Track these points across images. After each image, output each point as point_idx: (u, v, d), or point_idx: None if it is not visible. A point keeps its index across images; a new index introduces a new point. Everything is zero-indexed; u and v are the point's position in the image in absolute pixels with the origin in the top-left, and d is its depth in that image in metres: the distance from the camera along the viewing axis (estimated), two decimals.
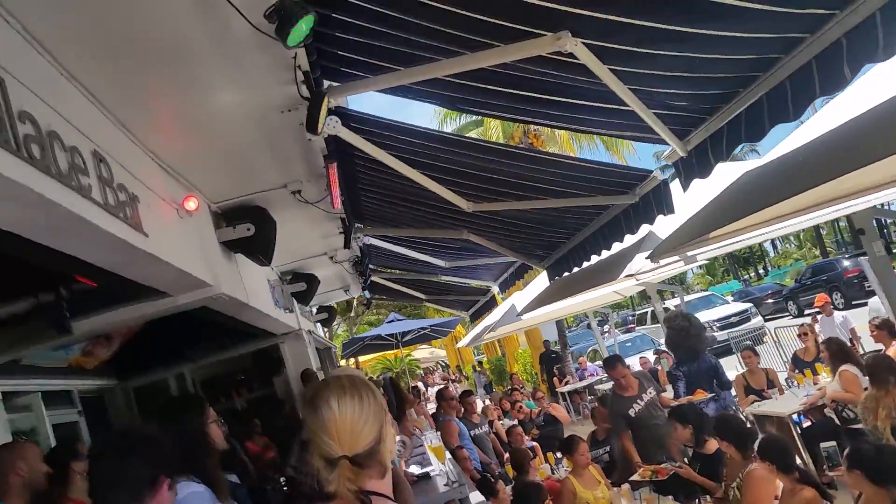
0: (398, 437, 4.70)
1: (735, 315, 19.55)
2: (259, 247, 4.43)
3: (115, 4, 2.33)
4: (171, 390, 7.76)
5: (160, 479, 1.87)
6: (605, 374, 14.20)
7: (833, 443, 5.07)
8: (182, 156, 3.60)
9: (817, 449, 6.16)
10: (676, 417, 5.25)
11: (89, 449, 2.08)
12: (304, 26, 2.16)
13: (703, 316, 19.60)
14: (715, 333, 16.32)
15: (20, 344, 4.10)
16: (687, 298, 25.87)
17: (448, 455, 5.22)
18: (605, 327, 15.41)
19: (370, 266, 7.56)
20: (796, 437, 6.56)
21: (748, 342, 13.27)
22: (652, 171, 3.75)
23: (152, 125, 3.20)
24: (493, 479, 5.25)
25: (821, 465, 5.87)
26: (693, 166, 3.26)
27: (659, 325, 17.16)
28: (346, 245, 5.46)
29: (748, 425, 4.80)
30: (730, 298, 25.28)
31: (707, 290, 33.74)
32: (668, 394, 6.82)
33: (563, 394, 14.20)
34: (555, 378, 15.18)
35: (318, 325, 9.69)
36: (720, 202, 3.30)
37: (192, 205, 3.68)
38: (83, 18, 2.36)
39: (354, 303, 13.17)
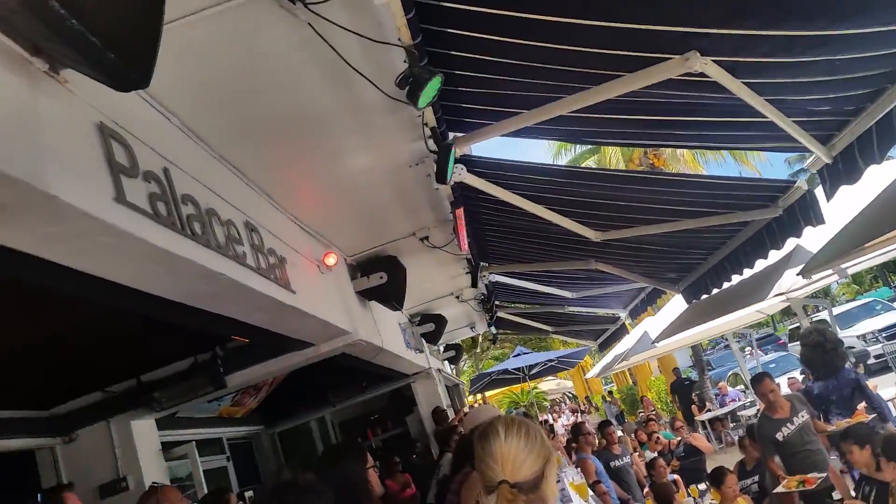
0: None
1: None
2: (391, 293, 4.58)
3: (259, 87, 2.53)
4: (313, 433, 8.11)
5: None
6: (748, 400, 13.35)
7: None
8: (321, 217, 3.83)
9: None
10: (854, 438, 4.75)
11: (252, 499, 2.17)
12: (432, 88, 2.26)
13: (865, 326, 17.74)
14: (875, 347, 14.48)
15: (181, 398, 4.45)
16: (844, 308, 23.20)
17: (591, 493, 5.04)
18: (748, 349, 14.40)
19: (496, 302, 7.57)
20: None
21: None
22: (794, 182, 3.52)
23: (294, 192, 3.43)
24: None
25: None
26: (840, 172, 3.04)
27: None
28: (474, 284, 5.52)
29: None
30: None
31: (863, 298, 30.38)
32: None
33: (702, 422, 13.42)
34: (693, 406, 14.39)
35: (446, 363, 9.80)
36: (877, 208, 3.04)
37: (331, 260, 3.88)
38: (229, 104, 2.58)
39: (480, 338, 13.19)
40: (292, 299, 3.20)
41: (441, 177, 2.81)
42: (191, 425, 5.55)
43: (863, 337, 17.09)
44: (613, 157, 16.31)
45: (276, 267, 3.09)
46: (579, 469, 6.66)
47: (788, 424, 5.18)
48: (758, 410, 10.25)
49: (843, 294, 55.55)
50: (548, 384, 30.21)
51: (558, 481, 4.59)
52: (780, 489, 4.94)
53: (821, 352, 5.99)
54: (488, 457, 1.63)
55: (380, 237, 4.51)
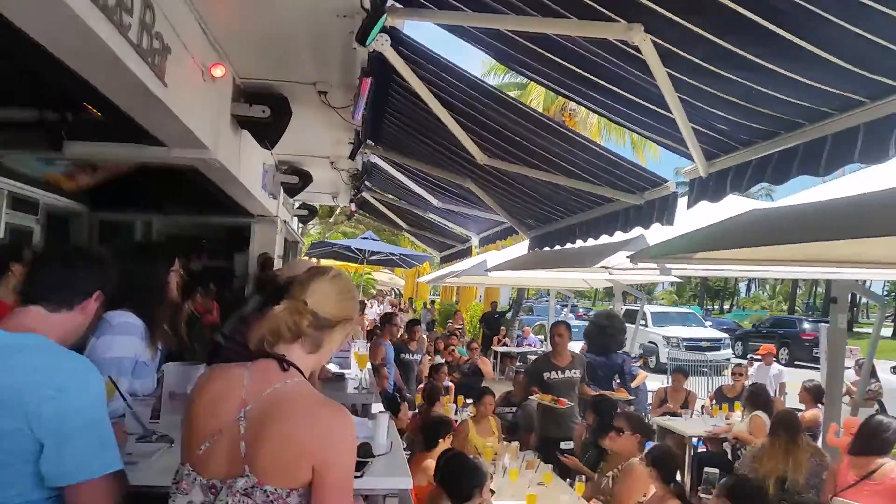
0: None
1: (706, 340, 19.56)
2: (268, 131, 4.42)
3: None
4: (135, 232, 7.78)
5: (96, 294, 1.89)
6: (542, 349, 14.62)
7: (716, 471, 5.34)
8: (226, 25, 3.56)
9: (702, 473, 6.59)
10: (593, 409, 5.51)
11: (36, 254, 2.10)
12: None
13: (673, 331, 20.04)
14: (674, 350, 16.16)
15: (11, 146, 4.09)
16: (664, 309, 25.84)
17: (368, 366, 5.40)
18: (564, 310, 15.60)
19: (366, 183, 7.54)
20: (688, 457, 6.96)
21: (704, 368, 13.76)
22: (666, 181, 3.78)
23: None
24: (400, 400, 5.53)
25: (696, 486, 6.25)
26: (708, 189, 3.29)
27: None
28: (352, 157, 5.44)
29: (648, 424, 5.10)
30: (709, 323, 24.96)
31: (684, 308, 33.54)
32: None
33: (495, 352, 14.55)
34: (496, 337, 15.51)
35: (296, 219, 9.70)
36: (717, 228, 3.36)
37: (218, 72, 3.66)
38: None
39: (337, 211, 13.12)
40: (161, 91, 3.00)
41: (362, 37, 2.70)
42: (10, 176, 5.12)
43: (667, 339, 18.94)
44: (535, 102, 16.47)
45: (158, 54, 2.86)
46: (370, 347, 7.13)
47: (560, 371, 5.88)
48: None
49: (663, 299, 61.50)
50: (382, 276, 30.98)
51: (347, 350, 4.78)
52: (534, 398, 5.75)
53: (602, 332, 7.01)
54: (305, 282, 1.75)
55: (279, 72, 4.28)
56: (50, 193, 6.01)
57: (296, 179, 6.40)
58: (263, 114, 4.25)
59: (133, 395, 2.64)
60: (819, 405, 6.66)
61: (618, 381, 7.24)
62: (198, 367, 2.50)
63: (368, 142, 5.40)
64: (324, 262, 21.05)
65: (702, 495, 5.98)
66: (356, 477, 1.94)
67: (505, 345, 15.28)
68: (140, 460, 2.07)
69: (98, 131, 4.14)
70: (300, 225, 10.78)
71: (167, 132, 3.75)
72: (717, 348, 18.70)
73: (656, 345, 19.47)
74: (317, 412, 1.61)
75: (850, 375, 8.52)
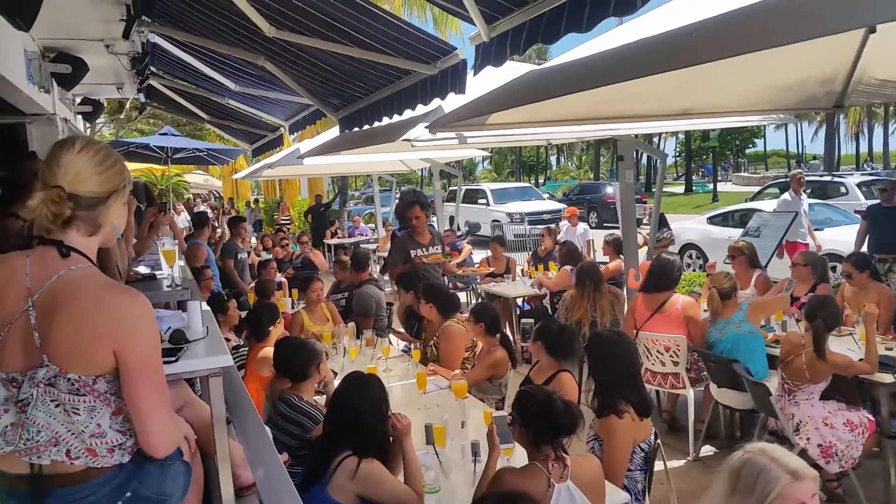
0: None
1: (548, 213, 19.96)
2: (18, 6, 3.82)
3: None
4: None
5: None
6: (374, 237, 14.90)
7: (531, 320, 5.97)
8: None
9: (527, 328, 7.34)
10: (401, 284, 5.90)
11: None
12: None
13: (515, 207, 20.51)
14: (523, 227, 16.22)
15: None
16: (505, 185, 26.32)
17: (179, 262, 5.27)
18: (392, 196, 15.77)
19: (151, 68, 6.88)
20: (513, 315, 7.71)
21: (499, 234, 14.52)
22: (455, 49, 3.86)
23: None
24: (226, 298, 5.49)
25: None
26: (491, 53, 3.42)
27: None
28: (126, 36, 4.91)
29: (451, 293, 5.56)
30: (546, 195, 25.69)
31: (522, 183, 33.36)
32: None
33: (328, 245, 14.61)
34: (328, 230, 15.51)
35: (80, 117, 8.71)
36: (501, 89, 3.54)
37: None
38: None
39: (128, 105, 11.91)
40: None
41: None
42: None
43: (510, 215, 19.71)
44: None
45: None
46: (187, 250, 6.87)
47: (424, 249, 6.36)
48: (374, 251, 11.63)
49: (484, 178, 64.19)
50: (196, 177, 29.16)
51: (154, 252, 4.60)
52: (426, 260, 6.26)
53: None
54: (53, 162, 1.61)
55: None
56: None
57: (68, 68, 5.66)
58: None
59: None
60: (620, 256, 7.44)
61: None
62: None
63: (143, 18, 4.89)
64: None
65: (522, 344, 6.66)
66: (171, 362, 1.94)
67: (337, 237, 15.32)
68: None
69: None
70: (87, 124, 9.71)
71: None
72: (559, 219, 18.90)
73: (500, 222, 19.84)
74: (104, 297, 1.57)
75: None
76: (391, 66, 4.26)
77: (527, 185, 28.95)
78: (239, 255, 8.25)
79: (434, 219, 11.15)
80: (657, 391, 5.68)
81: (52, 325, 1.53)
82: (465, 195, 22.10)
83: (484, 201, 22.15)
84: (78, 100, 8.08)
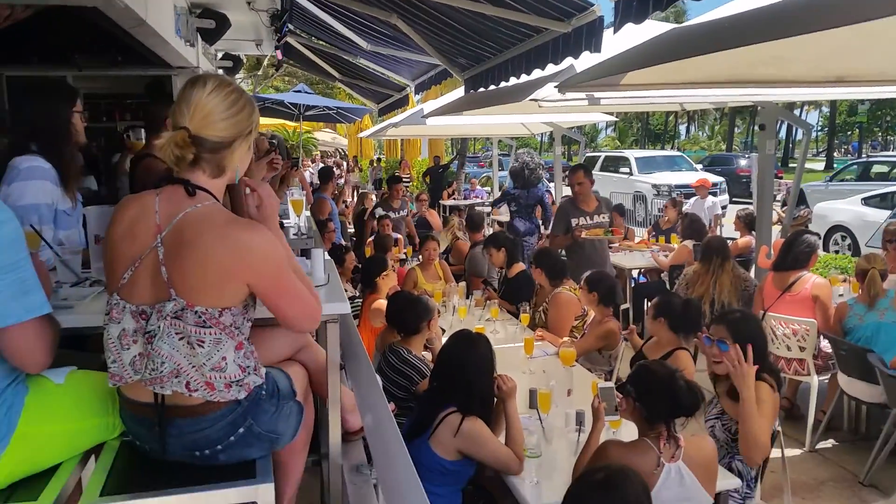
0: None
1: None
2: None
3: None
4: None
5: None
6: (489, 200, 14.87)
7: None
8: None
9: (640, 304, 7.08)
10: (491, 243, 5.83)
11: None
12: None
13: (662, 178, 17.28)
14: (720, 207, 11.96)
15: None
16: (652, 154, 22.61)
17: (305, 212, 5.46)
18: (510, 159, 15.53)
19: (289, 25, 7.13)
20: (628, 289, 7.44)
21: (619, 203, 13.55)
22: (592, 5, 3.69)
23: None
24: (344, 249, 5.67)
25: (640, 318, 6.72)
26: (632, 8, 3.23)
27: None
28: None
29: (560, 259, 5.45)
30: (699, 166, 21.33)
31: (670, 151, 28.98)
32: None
33: (443, 206, 14.72)
34: (445, 191, 15.62)
35: (221, 71, 9.21)
36: (640, 47, 3.34)
37: None
38: None
39: (265, 62, 12.47)
40: None
41: None
42: None
43: (657, 187, 16.78)
44: None
45: None
46: (311, 204, 7.15)
47: (588, 217, 5.94)
48: (489, 213, 11.59)
49: (606, 146, 62.27)
50: (324, 135, 30.25)
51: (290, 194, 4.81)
52: (585, 234, 5.70)
53: (523, 169, 8.15)
54: (183, 101, 1.63)
55: None
56: None
57: (212, 23, 5.97)
58: None
59: (60, 245, 2.60)
60: (752, 232, 6.98)
61: (539, 210, 8.57)
62: None
63: None
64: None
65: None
66: None
67: (453, 198, 15.42)
68: (75, 304, 2.07)
69: None
70: None
71: None
72: (714, 194, 15.12)
73: (644, 195, 16.80)
74: (227, 233, 1.59)
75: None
76: (523, 23, 4.15)
77: (676, 152, 24.41)
78: (392, 215, 8.40)
79: (552, 186, 10.96)
80: (781, 377, 5.34)
81: (178, 260, 1.57)
82: (605, 163, 19.81)
83: (626, 170, 18.95)
84: (219, 55, 8.54)
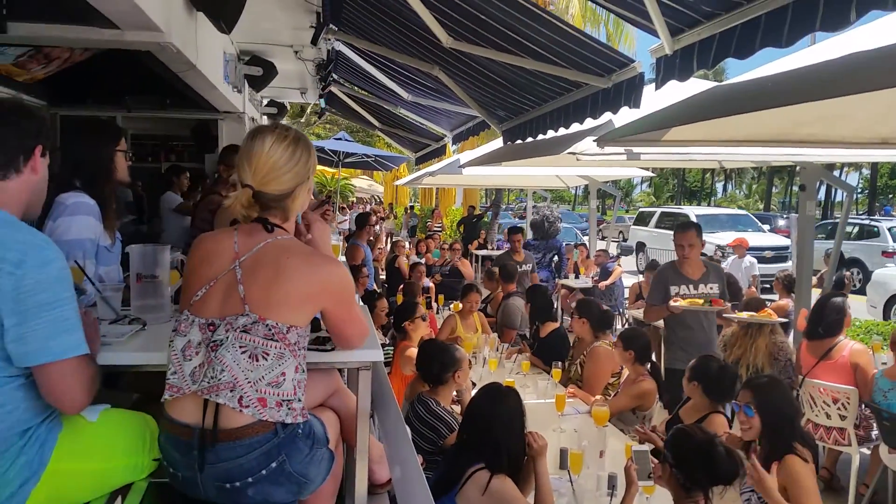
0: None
1: (770, 249, 15.07)
2: (223, 10, 4.20)
3: None
4: None
5: (38, 148, 1.83)
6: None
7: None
8: None
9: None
10: (528, 297, 5.83)
11: None
12: None
13: (727, 238, 14.57)
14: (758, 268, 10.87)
15: None
16: (715, 211, 21.42)
17: (342, 257, 5.48)
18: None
19: (333, 75, 7.32)
20: (661, 346, 7.26)
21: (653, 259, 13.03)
22: (633, 61, 3.70)
23: None
24: (377, 295, 5.66)
25: None
26: (675, 66, 3.24)
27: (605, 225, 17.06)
28: (314, 42, 5.25)
29: (606, 310, 5.33)
30: (766, 227, 19.30)
31: (734, 209, 26.00)
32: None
33: (474, 255, 14.69)
34: (476, 241, 15.63)
35: (265, 117, 9.48)
36: (680, 104, 3.32)
37: None
38: None
39: (308, 110, 12.83)
40: None
41: None
42: None
43: (721, 249, 14.53)
44: None
45: None
46: (346, 249, 7.22)
47: (691, 286, 5.18)
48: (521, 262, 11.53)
49: (641, 201, 61.96)
50: (361, 182, 30.76)
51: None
52: (681, 304, 4.84)
53: (543, 221, 8.84)
54: (244, 158, 1.75)
55: None
56: (3, 88, 5.77)
57: (259, 71, 6.19)
58: None
59: (101, 282, 2.63)
60: (791, 294, 6.82)
61: (556, 259, 9.28)
62: (164, 248, 2.48)
63: (331, 26, 5.20)
64: None
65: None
66: (327, 350, 2.01)
67: (484, 248, 15.40)
68: (113, 341, 2.08)
69: (44, 11, 3.93)
70: None
71: (116, 10, 3.55)
72: (784, 258, 14.24)
73: (706, 255, 15.49)
74: (313, 260, 1.76)
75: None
76: (563, 77, 4.18)
77: (742, 211, 22.71)
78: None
79: (586, 238, 10.91)
80: (817, 446, 5.12)
81: (258, 279, 1.70)
82: (661, 219, 18.93)
83: None
84: (265, 101, 8.80)
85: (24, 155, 1.78)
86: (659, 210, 20.82)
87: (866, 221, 16.45)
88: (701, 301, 4.88)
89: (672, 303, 4.82)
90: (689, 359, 3.98)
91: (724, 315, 5.02)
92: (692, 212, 18.90)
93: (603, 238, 16.65)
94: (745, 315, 5.14)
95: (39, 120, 1.87)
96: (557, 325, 5.71)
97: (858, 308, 9.23)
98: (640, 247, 19.25)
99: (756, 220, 18.94)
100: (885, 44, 2.59)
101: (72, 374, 1.63)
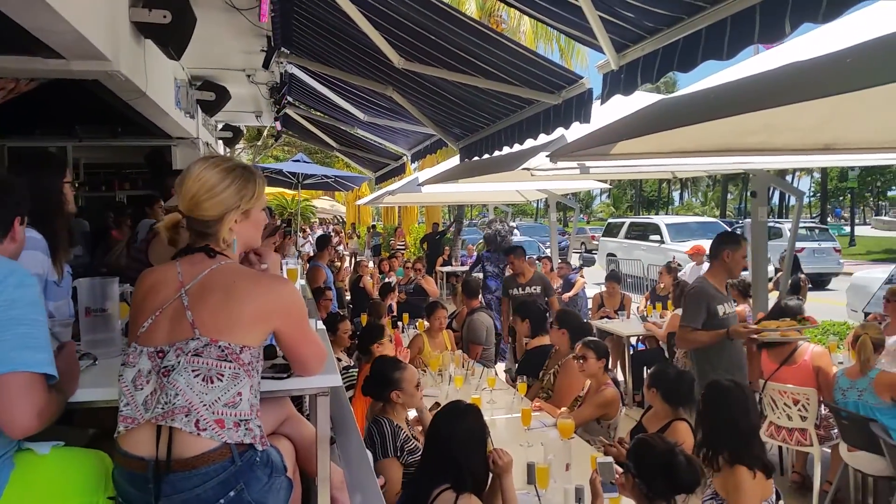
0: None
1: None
2: (172, 37, 4.16)
3: None
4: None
5: (17, 219, 1.92)
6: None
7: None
8: None
9: (639, 372, 7.02)
10: (519, 313, 5.73)
11: None
12: None
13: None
14: None
15: None
16: (685, 220, 21.44)
17: (301, 281, 5.39)
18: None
19: (287, 97, 7.30)
20: (626, 356, 7.37)
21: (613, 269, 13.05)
22: (581, 78, 3.78)
23: None
24: (339, 317, 5.59)
25: (639, 386, 6.64)
26: (620, 81, 3.31)
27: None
28: (266, 66, 5.23)
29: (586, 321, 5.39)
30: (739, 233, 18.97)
31: (704, 217, 26.68)
32: None
33: (439, 272, 14.70)
34: (440, 258, 15.66)
35: (221, 142, 9.38)
36: (628, 118, 3.40)
37: None
38: None
39: (265, 133, 12.74)
40: None
41: None
42: None
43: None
44: (469, 11, 16.07)
45: None
46: (307, 271, 7.15)
47: (522, 288, 6.80)
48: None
49: (601, 212, 62.89)
50: (323, 202, 30.58)
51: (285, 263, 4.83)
52: (779, 334, 4.38)
53: (496, 235, 9.30)
54: (178, 184, 1.79)
55: None
56: None
57: (212, 95, 6.13)
58: (165, 19, 3.98)
59: (50, 318, 2.56)
60: (748, 299, 6.90)
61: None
62: (112, 280, 2.43)
63: (282, 49, 5.19)
64: None
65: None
66: (282, 378, 1.98)
67: (448, 264, 15.44)
68: None
69: None
70: (227, 149, 10.44)
71: (61, 41, 3.50)
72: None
73: (681, 264, 14.16)
74: (262, 280, 1.80)
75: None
76: (515, 95, 4.24)
77: (713, 219, 23.12)
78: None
79: (548, 250, 11.01)
80: (780, 447, 5.21)
81: (206, 303, 1.70)
82: (630, 230, 18.91)
83: (657, 238, 17.72)
84: (219, 126, 8.71)
85: (2, 228, 1.88)
86: (628, 220, 20.80)
87: (772, 223, 16.32)
88: (793, 323, 4.41)
89: (749, 326, 4.34)
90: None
91: (755, 336, 4.38)
92: (662, 221, 18.95)
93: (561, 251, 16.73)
94: (776, 335, 4.45)
95: (16, 191, 1.95)
96: (547, 340, 5.68)
97: (815, 309, 9.36)
98: (611, 258, 19.00)
99: (727, 227, 18.56)
100: (821, 53, 2.68)
101: (24, 388, 1.60)
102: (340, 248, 18.58)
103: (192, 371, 1.65)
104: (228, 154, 10.98)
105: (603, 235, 21.22)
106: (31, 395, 1.62)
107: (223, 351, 1.67)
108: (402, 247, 19.00)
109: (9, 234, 1.90)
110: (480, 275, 9.62)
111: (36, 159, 2.92)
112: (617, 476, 2.61)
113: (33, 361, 1.63)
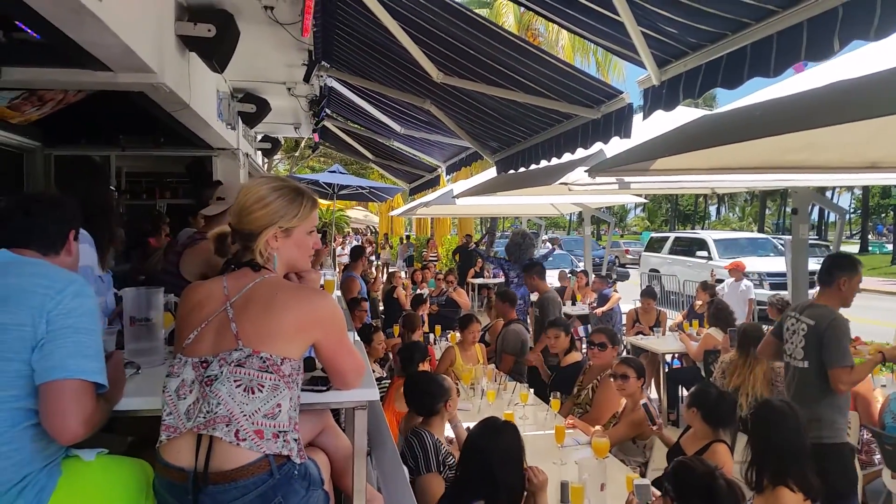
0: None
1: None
2: (216, 51, 4.24)
3: None
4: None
5: (71, 234, 2.01)
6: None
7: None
8: None
9: (674, 390, 6.88)
10: (560, 327, 5.66)
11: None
12: None
13: (748, 264, 12.51)
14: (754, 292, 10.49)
15: None
16: (734, 235, 20.45)
17: (337, 292, 5.44)
18: (539, 239, 15.33)
19: (326, 110, 7.39)
20: (661, 374, 7.23)
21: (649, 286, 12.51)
22: (622, 93, 3.75)
23: None
24: (373, 329, 5.60)
25: (675, 404, 6.50)
26: (661, 97, 3.29)
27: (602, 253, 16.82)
28: (306, 79, 5.30)
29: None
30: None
31: (754, 233, 25.54)
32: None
33: (470, 283, 14.64)
34: (472, 269, 15.61)
35: (260, 153, 9.52)
36: (670, 134, 3.35)
37: None
38: None
39: (302, 144, 12.91)
40: (95, 5, 2.86)
41: None
42: None
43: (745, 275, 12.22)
44: (504, 19, 16.13)
45: None
46: (341, 282, 7.18)
47: None
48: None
49: (636, 226, 62.12)
50: (356, 213, 30.83)
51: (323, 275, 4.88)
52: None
53: (518, 245, 8.84)
54: (235, 200, 1.91)
55: None
56: (1, 131, 5.80)
57: (253, 108, 6.23)
58: (209, 32, 4.07)
59: None
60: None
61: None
62: (157, 290, 2.48)
63: (323, 63, 5.26)
64: None
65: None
66: (321, 391, 2.00)
67: (479, 276, 15.39)
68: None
69: (38, 55, 3.97)
70: (265, 159, 10.60)
71: (109, 53, 3.59)
72: (811, 284, 12.44)
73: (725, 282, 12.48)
74: (302, 293, 1.84)
75: None
76: (553, 109, 4.23)
77: (763, 235, 21.89)
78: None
79: (581, 264, 10.90)
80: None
81: (250, 314, 1.76)
82: (674, 244, 18.18)
83: (704, 254, 16.74)
84: (259, 137, 8.85)
85: (60, 242, 1.97)
86: (672, 235, 19.90)
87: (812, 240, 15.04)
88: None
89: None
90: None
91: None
92: (710, 236, 17.92)
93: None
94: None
95: (69, 207, 2.05)
96: (580, 357, 5.61)
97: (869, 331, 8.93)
98: (654, 273, 17.99)
99: (776, 244, 17.51)
100: (870, 72, 2.62)
101: (76, 395, 1.67)
102: (372, 258, 18.68)
103: (234, 381, 1.68)
104: (266, 164, 11.15)
105: (645, 250, 20.45)
106: (82, 402, 1.68)
107: (265, 362, 1.70)
108: (435, 258, 19.02)
109: (65, 248, 1.98)
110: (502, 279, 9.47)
111: (85, 167, 3.07)
112: (654, 499, 2.56)
113: (87, 369, 1.70)
